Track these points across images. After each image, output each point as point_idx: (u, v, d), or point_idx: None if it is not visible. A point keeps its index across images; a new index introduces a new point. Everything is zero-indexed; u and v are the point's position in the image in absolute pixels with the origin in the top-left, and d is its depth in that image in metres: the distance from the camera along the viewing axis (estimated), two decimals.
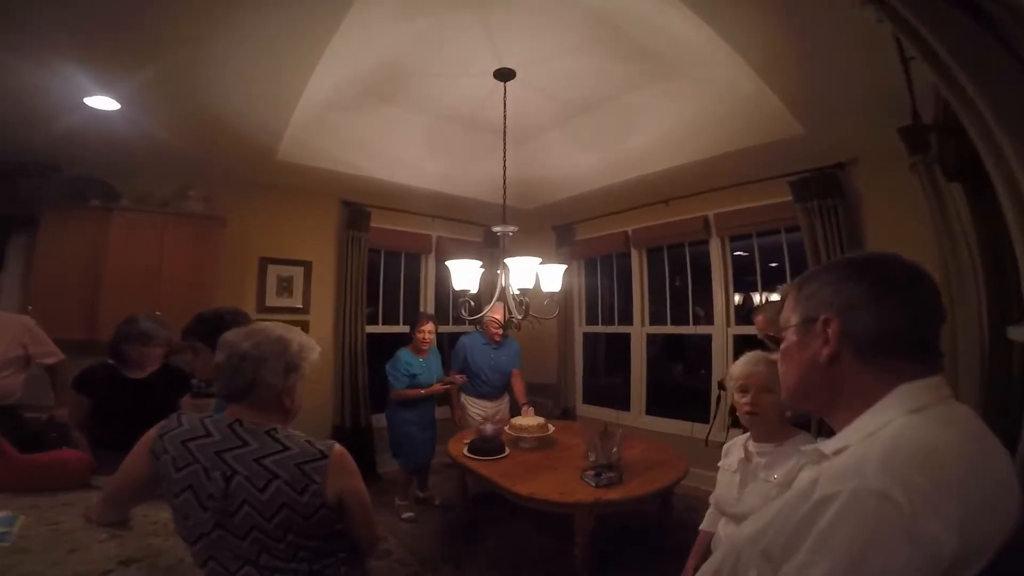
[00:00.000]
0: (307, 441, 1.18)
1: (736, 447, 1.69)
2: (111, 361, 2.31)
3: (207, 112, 2.88)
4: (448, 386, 3.87)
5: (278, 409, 1.24)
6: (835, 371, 0.75)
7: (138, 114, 2.83)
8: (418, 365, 3.71)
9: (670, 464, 2.83)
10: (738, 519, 1.50)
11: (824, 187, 3.45)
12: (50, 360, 2.76)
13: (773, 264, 4.15)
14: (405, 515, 3.63)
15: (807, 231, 3.54)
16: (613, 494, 2.40)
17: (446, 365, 4.10)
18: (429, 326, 3.72)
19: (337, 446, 1.21)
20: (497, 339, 4.02)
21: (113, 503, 1.34)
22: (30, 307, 3.17)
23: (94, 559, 1.32)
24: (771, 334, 2.59)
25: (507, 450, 3.10)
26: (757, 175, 3.76)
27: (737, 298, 4.35)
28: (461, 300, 2.53)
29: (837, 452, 0.70)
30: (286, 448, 1.15)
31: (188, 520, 1.15)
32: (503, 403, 4.18)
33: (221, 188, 3.93)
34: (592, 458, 2.82)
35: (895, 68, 1.99)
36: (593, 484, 2.50)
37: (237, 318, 1.72)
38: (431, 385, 3.74)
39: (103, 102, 2.68)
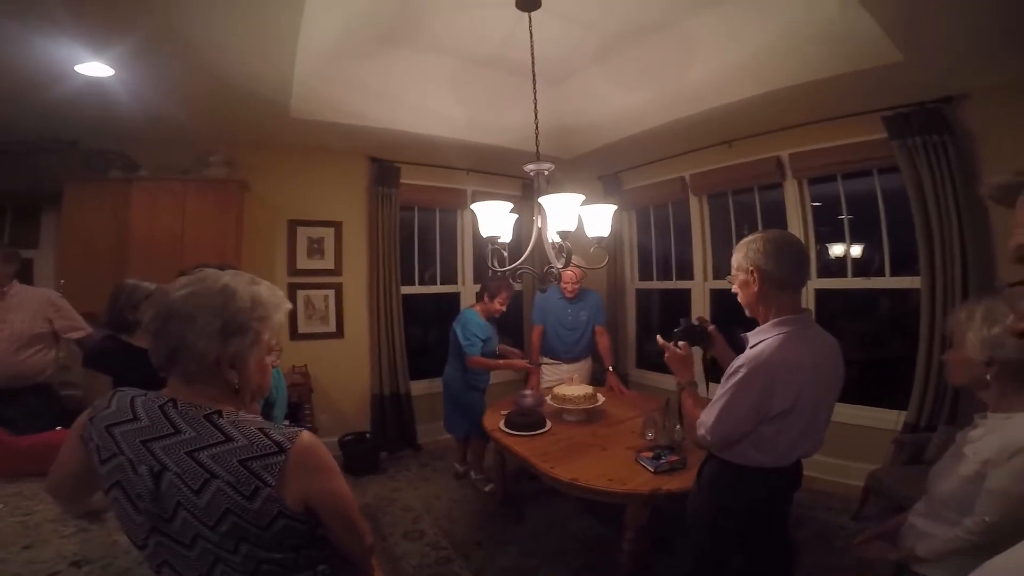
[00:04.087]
0: (260, 430, 0.88)
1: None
2: (114, 334, 2.16)
3: (204, 73, 2.70)
4: (531, 367, 3.66)
5: (221, 385, 0.93)
6: None
7: (134, 80, 2.70)
8: (488, 330, 3.46)
9: None
10: (930, 493, 1.32)
11: (928, 123, 2.89)
12: (76, 335, 2.67)
13: (840, 216, 3.61)
14: (487, 488, 3.41)
15: (908, 172, 3.00)
16: (675, 483, 2.03)
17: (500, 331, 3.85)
18: (506, 296, 3.46)
19: (305, 436, 0.90)
20: (569, 293, 3.73)
21: (56, 495, 1.09)
22: (63, 281, 3.13)
23: (46, 557, 1.22)
24: None
25: (548, 424, 2.78)
26: (841, 110, 3.20)
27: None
28: (491, 248, 2.14)
29: None
30: (228, 439, 0.86)
31: (125, 523, 0.91)
32: (583, 366, 3.87)
33: (243, 152, 3.81)
34: (650, 436, 2.48)
35: None
36: (651, 469, 2.14)
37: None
38: (494, 353, 3.49)
39: (96, 68, 2.52)
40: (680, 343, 1.71)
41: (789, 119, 3.43)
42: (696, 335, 1.75)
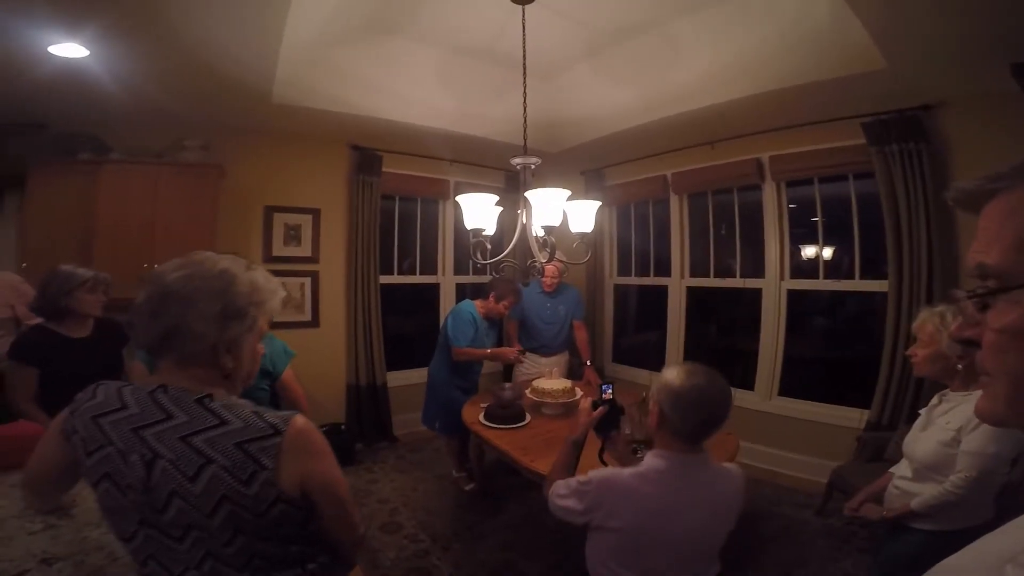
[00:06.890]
0: (254, 412, 0.87)
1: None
2: (43, 323, 2.09)
3: (185, 56, 2.60)
4: (515, 359, 3.53)
5: (214, 369, 0.92)
6: None
7: (112, 62, 2.60)
8: (481, 325, 3.37)
9: (716, 441, 2.48)
10: (910, 460, 1.57)
11: (906, 130, 2.96)
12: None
13: (814, 218, 3.66)
14: (468, 487, 3.36)
15: (883, 178, 3.08)
16: None
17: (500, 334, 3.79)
18: (511, 302, 3.36)
19: (299, 418, 0.89)
20: (548, 288, 3.73)
21: (33, 491, 1.05)
22: (24, 265, 2.99)
23: (13, 555, 1.15)
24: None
25: (528, 417, 2.80)
26: (823, 115, 3.25)
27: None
28: (474, 240, 2.13)
29: None
30: (223, 422, 0.85)
31: (113, 515, 0.89)
32: (561, 360, 3.88)
33: (220, 137, 3.68)
34: (626, 432, 2.50)
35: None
36: None
37: None
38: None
39: (70, 49, 2.41)
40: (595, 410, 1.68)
41: (772, 122, 3.48)
42: (613, 417, 1.71)
